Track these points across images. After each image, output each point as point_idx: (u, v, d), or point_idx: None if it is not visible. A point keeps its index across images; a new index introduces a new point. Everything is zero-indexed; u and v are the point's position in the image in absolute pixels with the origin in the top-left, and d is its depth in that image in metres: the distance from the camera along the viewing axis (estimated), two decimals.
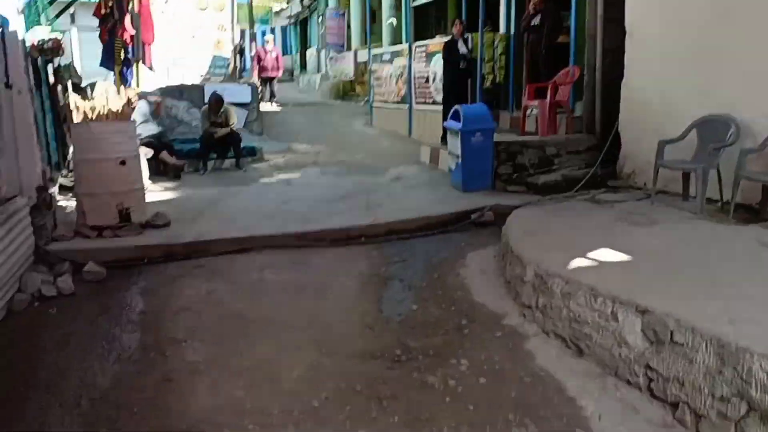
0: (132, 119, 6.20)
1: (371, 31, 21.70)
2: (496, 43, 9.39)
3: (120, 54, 6.05)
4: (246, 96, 10.64)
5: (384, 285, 4.76)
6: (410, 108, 11.35)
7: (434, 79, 10.25)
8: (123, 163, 5.88)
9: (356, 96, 20.12)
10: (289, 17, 32.08)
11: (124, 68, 6.17)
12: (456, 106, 7.36)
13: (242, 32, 19.43)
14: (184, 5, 10.79)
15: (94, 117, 5.95)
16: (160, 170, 8.74)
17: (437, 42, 10.33)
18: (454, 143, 7.28)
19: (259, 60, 16.00)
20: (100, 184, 5.79)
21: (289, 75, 33.18)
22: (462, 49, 8.81)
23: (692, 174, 5.54)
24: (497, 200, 6.71)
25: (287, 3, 32.76)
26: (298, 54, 32.15)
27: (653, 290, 3.32)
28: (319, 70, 25.14)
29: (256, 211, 6.62)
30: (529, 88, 8.20)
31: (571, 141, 7.73)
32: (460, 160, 7.19)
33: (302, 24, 31.08)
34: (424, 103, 10.73)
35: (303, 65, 29.92)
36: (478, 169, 7.22)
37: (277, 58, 15.92)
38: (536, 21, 8.61)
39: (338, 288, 4.72)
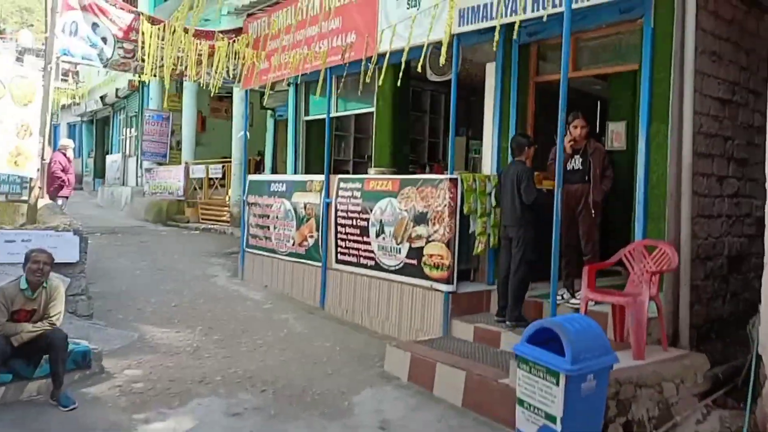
0: None
1: (198, 142, 17.98)
2: (489, 188, 6.33)
3: None
4: (71, 252, 6.11)
5: None
6: (324, 267, 7.73)
7: (380, 232, 6.84)
8: None
9: (186, 220, 15.88)
10: (82, 115, 26.80)
11: None
12: (546, 322, 3.99)
13: None
14: None
15: None
16: None
17: (382, 177, 7.03)
18: (543, 390, 3.86)
19: (63, 171, 11.32)
20: None
21: (77, 182, 27.50)
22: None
23: None
24: None
25: (75, 99, 27.57)
26: (91, 158, 26.77)
27: None
28: (125, 183, 20.31)
29: None
30: (589, 271, 5.15)
31: (687, 368, 4.75)
32: (557, 427, 3.76)
33: (100, 123, 25.99)
34: (357, 264, 7.21)
35: (99, 173, 24.61)
36: None
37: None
38: (576, 164, 5.78)
39: None
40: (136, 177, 19.32)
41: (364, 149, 11.10)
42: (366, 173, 10.72)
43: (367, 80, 5.79)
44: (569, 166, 5.82)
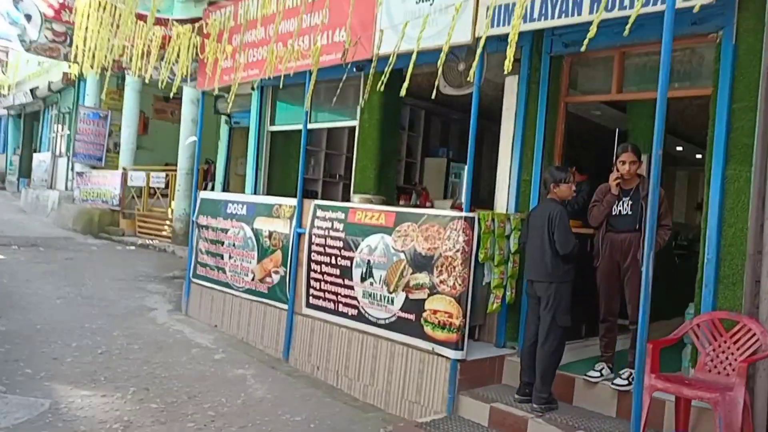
0: None
1: (139, 145, 16.23)
2: (509, 229, 5.15)
3: None
4: None
5: None
6: (292, 311, 6.37)
7: (367, 275, 5.55)
8: None
9: (120, 233, 14.16)
10: (9, 107, 24.50)
11: None
12: None
13: None
14: None
15: None
16: None
17: (372, 208, 5.74)
18: None
19: None
20: None
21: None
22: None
23: None
24: None
25: (2, 89, 25.30)
26: (17, 156, 24.49)
27: None
28: (53, 186, 18.31)
29: None
30: (653, 350, 4.00)
31: None
32: None
33: (29, 118, 23.77)
34: (334, 311, 5.89)
35: (25, 172, 22.41)
36: None
37: None
38: (624, 208, 4.66)
39: None
40: (66, 180, 17.38)
41: (336, 168, 9.79)
42: (338, 196, 9.45)
43: (380, 89, 4.51)
44: (615, 210, 4.69)
